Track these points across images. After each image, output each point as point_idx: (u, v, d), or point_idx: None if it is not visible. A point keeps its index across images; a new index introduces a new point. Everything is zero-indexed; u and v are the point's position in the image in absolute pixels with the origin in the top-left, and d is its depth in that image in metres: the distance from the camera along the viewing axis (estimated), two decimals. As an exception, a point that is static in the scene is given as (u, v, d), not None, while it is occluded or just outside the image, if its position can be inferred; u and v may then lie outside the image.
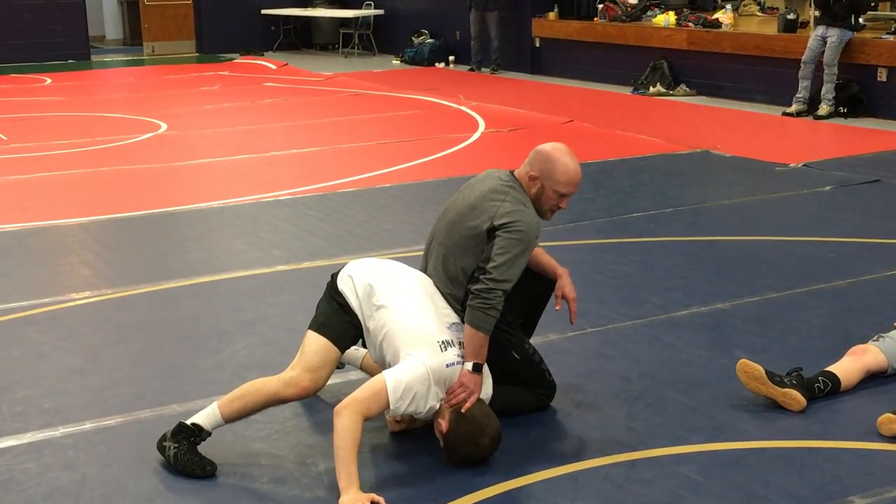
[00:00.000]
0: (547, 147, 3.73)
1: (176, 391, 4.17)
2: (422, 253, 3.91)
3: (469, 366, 3.49)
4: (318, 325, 3.60)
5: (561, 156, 3.69)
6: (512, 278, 3.56)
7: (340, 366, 4.20)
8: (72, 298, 5.38)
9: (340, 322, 3.59)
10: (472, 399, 3.47)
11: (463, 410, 3.44)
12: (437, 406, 3.46)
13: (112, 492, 3.40)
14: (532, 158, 3.73)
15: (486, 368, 3.58)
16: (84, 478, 3.49)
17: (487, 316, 3.50)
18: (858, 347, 4.18)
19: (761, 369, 3.90)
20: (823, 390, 3.95)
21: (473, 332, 3.50)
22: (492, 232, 3.58)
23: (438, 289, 3.69)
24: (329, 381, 4.04)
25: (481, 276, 3.53)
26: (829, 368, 4.05)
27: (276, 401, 3.55)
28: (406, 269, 3.74)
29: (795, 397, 3.86)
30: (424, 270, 3.80)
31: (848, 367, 4.06)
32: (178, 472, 3.47)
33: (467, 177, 4.03)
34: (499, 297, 3.51)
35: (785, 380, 3.91)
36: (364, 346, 3.72)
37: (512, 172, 3.77)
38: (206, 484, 3.42)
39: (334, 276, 3.72)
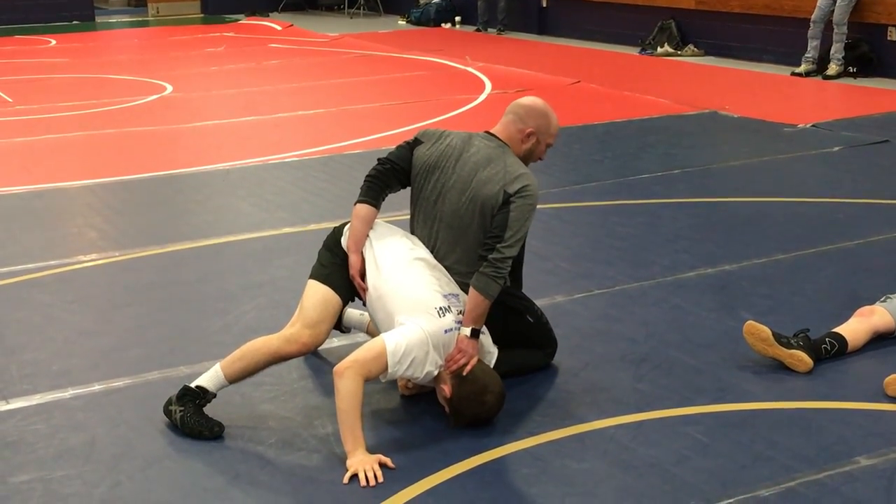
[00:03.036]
0: (537, 102, 3.79)
1: (184, 353, 4.18)
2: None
3: (468, 331, 3.47)
4: (318, 276, 3.61)
5: (550, 110, 3.80)
6: (520, 244, 3.58)
7: (346, 330, 4.21)
8: (79, 261, 5.38)
9: (341, 275, 3.59)
10: (472, 364, 3.46)
11: (464, 373, 3.44)
12: (435, 372, 3.44)
13: (121, 452, 3.42)
14: (524, 115, 3.73)
15: (486, 332, 3.59)
16: (93, 439, 3.51)
17: (496, 284, 3.49)
18: (866, 308, 4.17)
19: (768, 331, 3.89)
20: (830, 351, 3.95)
21: (481, 299, 3.47)
22: (507, 200, 3.55)
23: (444, 261, 3.64)
24: (336, 345, 4.08)
25: (497, 245, 3.50)
26: (836, 329, 4.05)
27: (278, 358, 3.55)
28: (405, 235, 3.72)
29: (802, 358, 3.86)
30: (427, 244, 3.72)
31: (855, 328, 4.06)
32: (186, 434, 3.49)
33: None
34: (508, 265, 3.53)
35: (792, 341, 3.91)
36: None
37: (492, 134, 3.75)
38: (214, 445, 3.44)
39: (336, 231, 3.73)
